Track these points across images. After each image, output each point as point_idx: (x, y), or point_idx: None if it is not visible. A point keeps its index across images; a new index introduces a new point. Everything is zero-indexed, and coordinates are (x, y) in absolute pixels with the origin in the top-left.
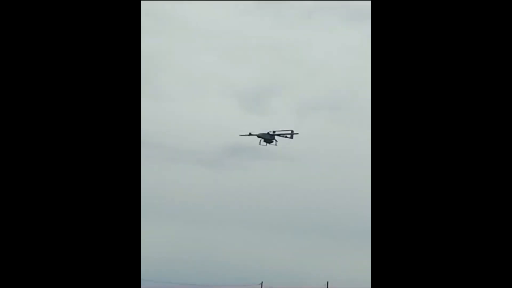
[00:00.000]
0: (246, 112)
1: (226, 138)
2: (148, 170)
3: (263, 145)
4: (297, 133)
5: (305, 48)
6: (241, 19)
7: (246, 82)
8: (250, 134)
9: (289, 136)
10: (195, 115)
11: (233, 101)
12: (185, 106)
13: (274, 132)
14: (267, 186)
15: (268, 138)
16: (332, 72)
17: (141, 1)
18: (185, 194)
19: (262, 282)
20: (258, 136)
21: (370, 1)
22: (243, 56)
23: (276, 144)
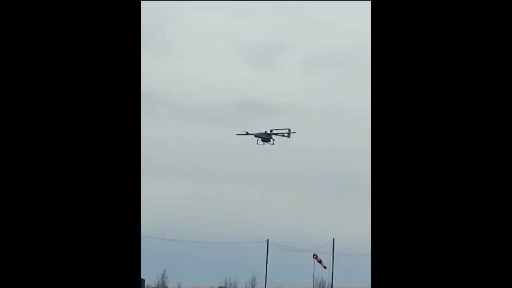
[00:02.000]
0: (253, 68)
1: (233, 95)
2: (154, 126)
3: (260, 144)
4: (294, 132)
5: (312, 6)
6: None
7: (253, 39)
8: (247, 133)
9: (286, 135)
10: (201, 71)
11: (240, 57)
12: (192, 62)
13: (271, 131)
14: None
15: (265, 137)
16: (339, 29)
17: None
18: (191, 150)
19: (268, 240)
20: (255, 135)
21: None
22: (249, 13)
23: (273, 143)
